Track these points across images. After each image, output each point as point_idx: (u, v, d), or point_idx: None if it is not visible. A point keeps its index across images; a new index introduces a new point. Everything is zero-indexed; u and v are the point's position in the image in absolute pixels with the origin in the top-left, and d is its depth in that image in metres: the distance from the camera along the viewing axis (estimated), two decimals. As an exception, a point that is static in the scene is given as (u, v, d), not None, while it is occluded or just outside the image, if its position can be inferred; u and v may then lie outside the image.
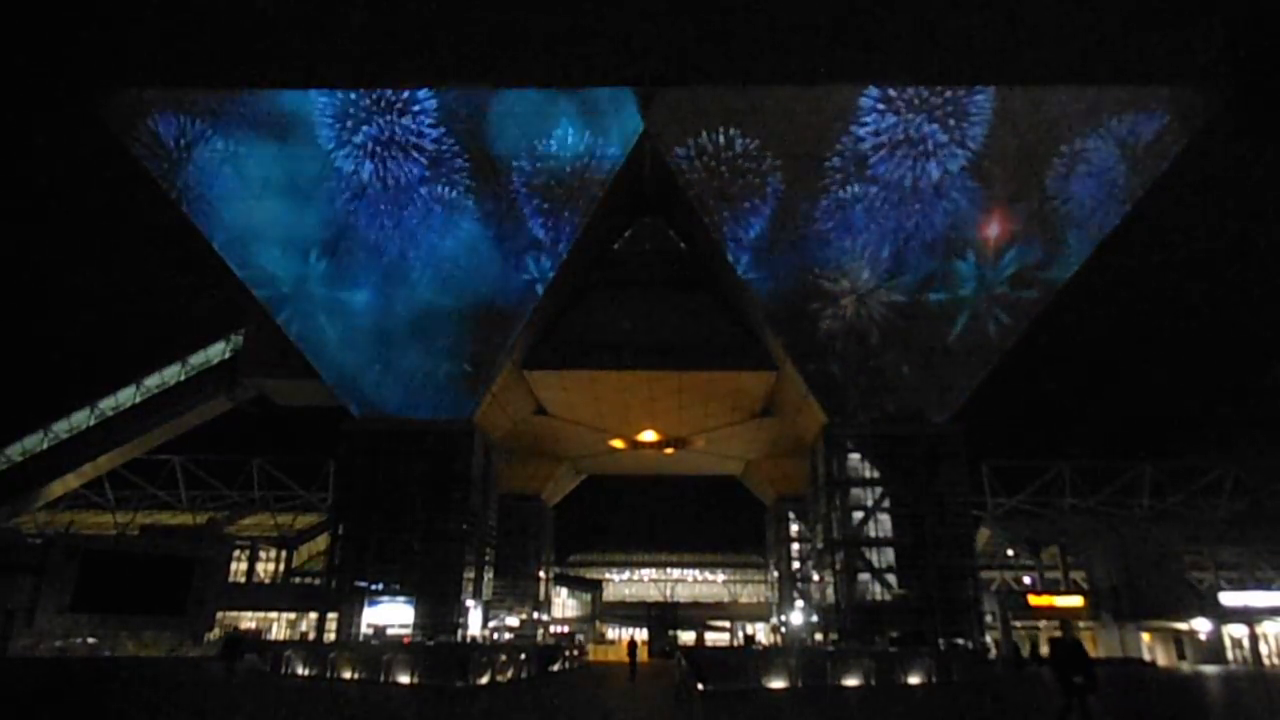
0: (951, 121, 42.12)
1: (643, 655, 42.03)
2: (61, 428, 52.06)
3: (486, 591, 49.52)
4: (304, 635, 47.99)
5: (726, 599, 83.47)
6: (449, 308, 43.71)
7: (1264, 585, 50.87)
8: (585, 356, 47.28)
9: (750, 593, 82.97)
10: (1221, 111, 42.94)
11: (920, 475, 43.23)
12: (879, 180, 42.37)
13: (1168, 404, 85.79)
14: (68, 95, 46.16)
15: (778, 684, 25.60)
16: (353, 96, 43.08)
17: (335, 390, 45.37)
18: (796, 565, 64.38)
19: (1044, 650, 39.54)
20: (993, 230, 42.68)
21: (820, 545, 46.92)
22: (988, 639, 44.75)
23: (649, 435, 58.19)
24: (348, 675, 26.69)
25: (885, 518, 43.92)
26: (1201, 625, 46.51)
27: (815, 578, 51.96)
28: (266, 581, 58.19)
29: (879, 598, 42.61)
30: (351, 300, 43.94)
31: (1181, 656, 47.02)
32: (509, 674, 28.11)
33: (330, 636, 41.24)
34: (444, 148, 42.91)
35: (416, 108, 42.82)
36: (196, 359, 52.72)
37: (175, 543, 49.67)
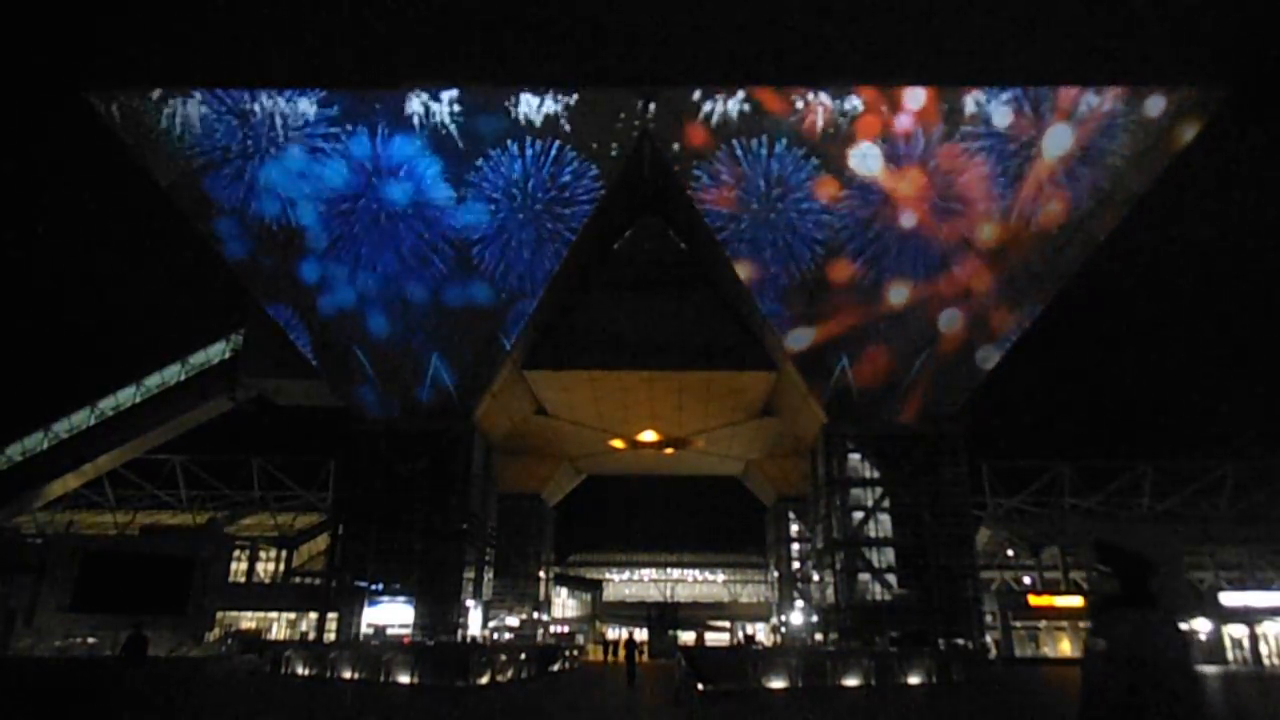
0: (951, 123, 42.12)
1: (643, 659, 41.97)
2: (61, 428, 52.00)
3: (486, 591, 49.52)
4: (304, 635, 47.96)
5: (726, 599, 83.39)
6: (449, 307, 43.72)
7: (1264, 585, 50.85)
8: (585, 356, 47.25)
9: (750, 593, 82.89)
10: (1221, 111, 42.92)
11: (920, 475, 43.22)
12: (879, 179, 42.38)
13: (1168, 404, 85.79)
14: (68, 94, 46.13)
15: (778, 684, 25.60)
16: (353, 96, 43.13)
17: (335, 390, 45.36)
18: (796, 565, 64.34)
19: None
20: (992, 231, 42.65)
21: (820, 545, 46.92)
22: (987, 639, 44.73)
23: (649, 435, 58.17)
24: (348, 675, 26.69)
25: (885, 518, 43.90)
26: (1201, 625, 46.49)
27: (815, 578, 51.97)
28: (266, 581, 58.12)
29: (879, 598, 42.59)
30: (351, 300, 43.95)
31: (1181, 656, 46.95)
32: (509, 674, 28.11)
33: (330, 636, 41.24)
34: (444, 148, 42.92)
35: (418, 108, 42.85)
36: (196, 359, 52.64)
37: (175, 543, 49.63)
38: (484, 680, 25.51)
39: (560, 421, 55.26)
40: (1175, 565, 46.37)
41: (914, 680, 27.99)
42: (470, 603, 44.78)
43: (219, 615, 48.31)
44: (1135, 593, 3.94)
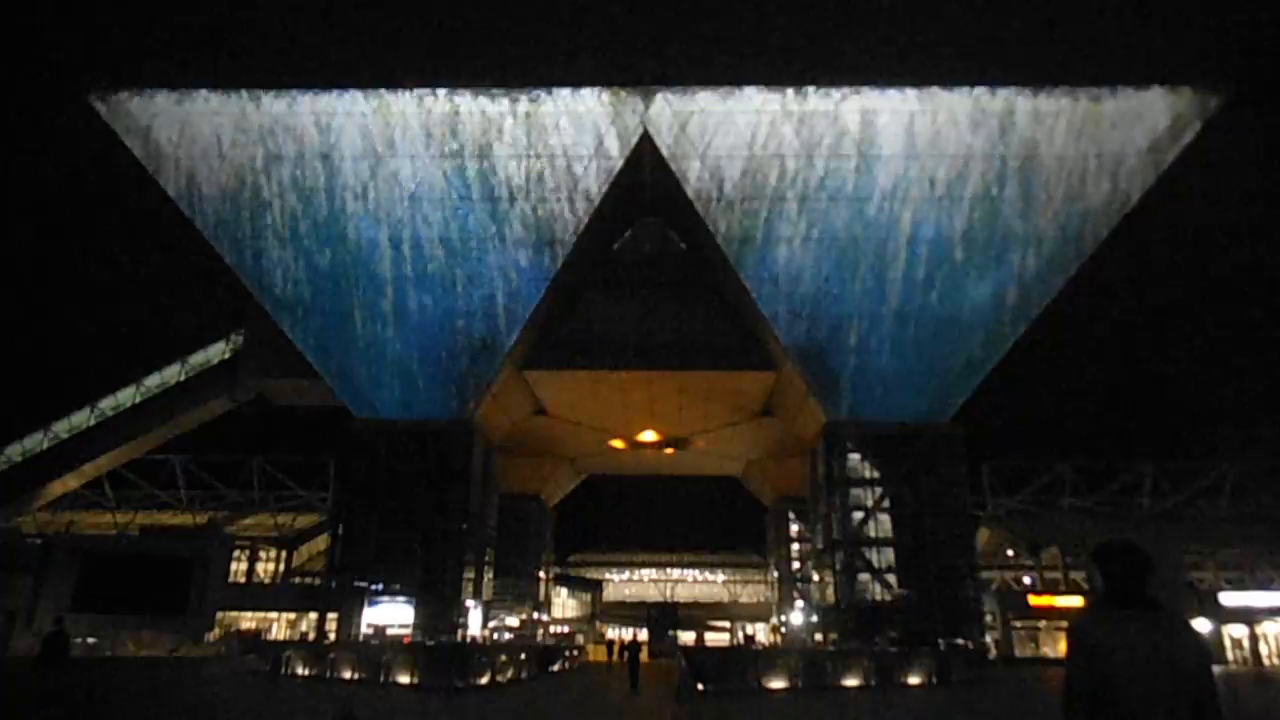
0: (950, 123, 42.12)
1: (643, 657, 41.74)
2: (61, 428, 52.02)
3: (486, 591, 49.49)
4: (304, 635, 47.97)
5: (726, 599, 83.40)
6: (449, 307, 43.72)
7: (1264, 585, 50.86)
8: (585, 356, 47.23)
9: (750, 593, 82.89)
10: (1221, 111, 42.91)
11: (920, 475, 43.22)
12: (879, 180, 42.38)
13: (1168, 404, 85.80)
14: (68, 94, 46.16)
15: (778, 684, 25.60)
16: (350, 96, 43.13)
17: (335, 390, 45.37)
18: (796, 565, 64.34)
19: None
20: (992, 231, 42.65)
21: (820, 545, 46.90)
22: (987, 639, 44.73)
23: (649, 435, 58.16)
24: (348, 675, 26.68)
25: (885, 518, 43.88)
26: (1201, 625, 46.50)
27: (815, 578, 51.91)
28: (266, 581, 58.14)
29: (879, 598, 42.57)
30: (351, 300, 43.92)
31: (1181, 656, 46.98)
32: (509, 674, 28.11)
33: (330, 636, 41.24)
34: (444, 147, 42.91)
35: (417, 107, 42.86)
36: (196, 359, 52.65)
37: (175, 543, 49.64)
38: (484, 680, 25.51)
39: (560, 421, 55.26)
40: (1164, 563, 46.39)
41: (914, 680, 27.98)
42: (470, 603, 44.76)
43: (219, 615, 48.29)
44: (1128, 591, 3.84)
